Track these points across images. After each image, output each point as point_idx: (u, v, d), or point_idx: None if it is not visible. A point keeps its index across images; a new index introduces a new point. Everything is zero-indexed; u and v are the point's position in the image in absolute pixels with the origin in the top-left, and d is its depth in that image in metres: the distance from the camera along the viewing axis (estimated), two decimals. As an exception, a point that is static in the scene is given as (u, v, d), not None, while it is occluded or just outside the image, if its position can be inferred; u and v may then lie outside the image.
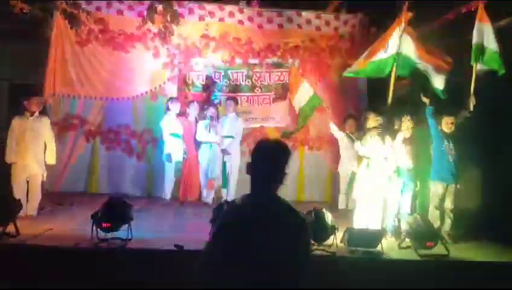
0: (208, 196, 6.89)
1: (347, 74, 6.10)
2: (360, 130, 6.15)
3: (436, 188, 5.42)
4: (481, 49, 5.35)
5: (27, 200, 5.41)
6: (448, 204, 5.38)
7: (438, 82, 5.50)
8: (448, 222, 5.35)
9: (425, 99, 5.42)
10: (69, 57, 7.31)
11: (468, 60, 5.45)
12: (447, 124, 5.37)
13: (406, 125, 5.50)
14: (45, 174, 5.64)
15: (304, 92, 7.04)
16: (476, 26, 5.35)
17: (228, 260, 1.80)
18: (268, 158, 1.92)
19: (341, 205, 6.84)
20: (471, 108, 5.32)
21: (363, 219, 5.33)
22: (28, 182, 5.48)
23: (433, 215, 5.37)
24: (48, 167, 5.77)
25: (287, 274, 1.80)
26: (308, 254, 1.95)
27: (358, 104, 7.69)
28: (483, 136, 5.76)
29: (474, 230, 5.58)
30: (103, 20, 7.27)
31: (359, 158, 5.45)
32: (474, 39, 5.34)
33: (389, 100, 5.45)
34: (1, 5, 6.33)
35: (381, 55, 5.56)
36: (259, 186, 1.92)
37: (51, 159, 5.68)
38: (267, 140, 2.17)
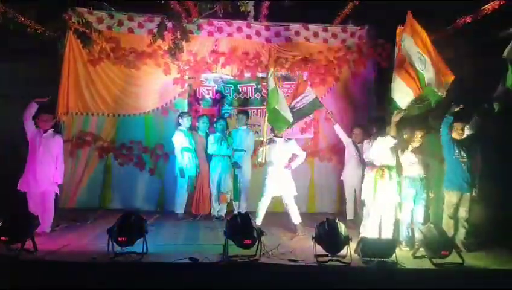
0: (221, 210, 6.91)
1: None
2: (367, 139, 6.15)
3: (450, 197, 5.38)
4: None
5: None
6: (463, 213, 5.32)
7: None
8: (462, 230, 5.31)
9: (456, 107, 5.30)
10: (81, 75, 7.46)
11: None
12: (458, 131, 5.35)
13: (417, 141, 5.40)
14: (58, 191, 5.71)
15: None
16: None
17: None
18: None
19: (349, 215, 6.82)
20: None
21: (374, 229, 5.34)
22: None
23: (448, 224, 5.33)
24: (62, 184, 5.83)
25: None
26: None
27: (368, 113, 7.70)
28: (500, 143, 5.72)
29: (489, 238, 5.54)
30: (114, 38, 7.44)
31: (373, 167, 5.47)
32: None
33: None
34: (15, 24, 6.48)
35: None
36: None
37: (58, 179, 5.64)
38: None
